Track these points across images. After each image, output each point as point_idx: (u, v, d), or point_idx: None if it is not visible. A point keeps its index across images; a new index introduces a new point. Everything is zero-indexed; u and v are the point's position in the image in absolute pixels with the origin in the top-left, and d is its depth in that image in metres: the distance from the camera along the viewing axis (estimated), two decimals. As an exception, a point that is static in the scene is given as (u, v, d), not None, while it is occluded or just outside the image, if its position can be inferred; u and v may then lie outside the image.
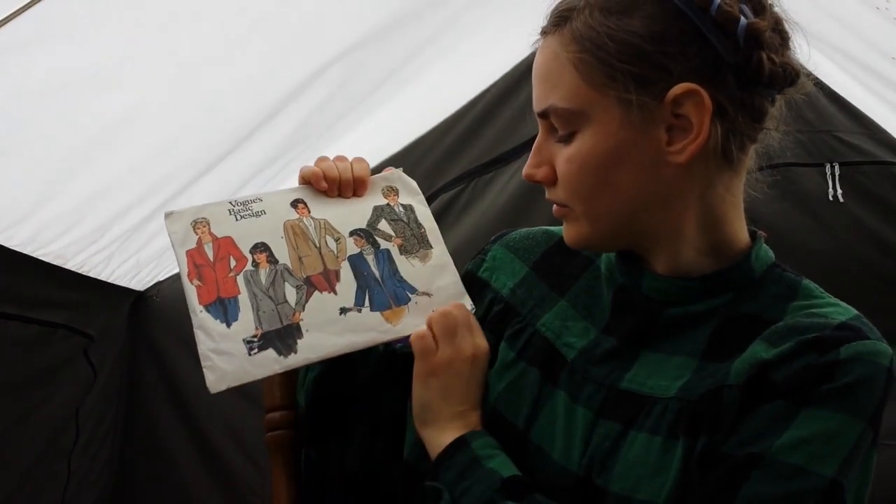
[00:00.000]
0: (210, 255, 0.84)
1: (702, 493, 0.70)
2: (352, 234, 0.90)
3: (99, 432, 2.05)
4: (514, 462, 0.79)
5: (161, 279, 2.15)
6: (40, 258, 1.64)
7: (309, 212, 0.89)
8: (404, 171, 0.99)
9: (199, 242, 0.84)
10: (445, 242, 0.95)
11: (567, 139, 0.75)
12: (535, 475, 0.78)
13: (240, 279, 0.83)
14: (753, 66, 0.71)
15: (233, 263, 0.84)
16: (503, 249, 0.94)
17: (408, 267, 0.91)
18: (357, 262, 0.89)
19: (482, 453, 0.79)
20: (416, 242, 0.93)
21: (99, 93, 1.32)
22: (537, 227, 0.96)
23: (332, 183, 0.90)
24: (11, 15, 1.05)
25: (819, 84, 2.20)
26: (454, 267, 0.94)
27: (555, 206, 0.80)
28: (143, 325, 2.14)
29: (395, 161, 2.22)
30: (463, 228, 2.22)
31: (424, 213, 0.96)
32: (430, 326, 0.84)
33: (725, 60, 0.71)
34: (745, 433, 0.70)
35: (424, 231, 0.94)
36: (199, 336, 0.80)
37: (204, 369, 0.79)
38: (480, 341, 0.85)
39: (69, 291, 1.80)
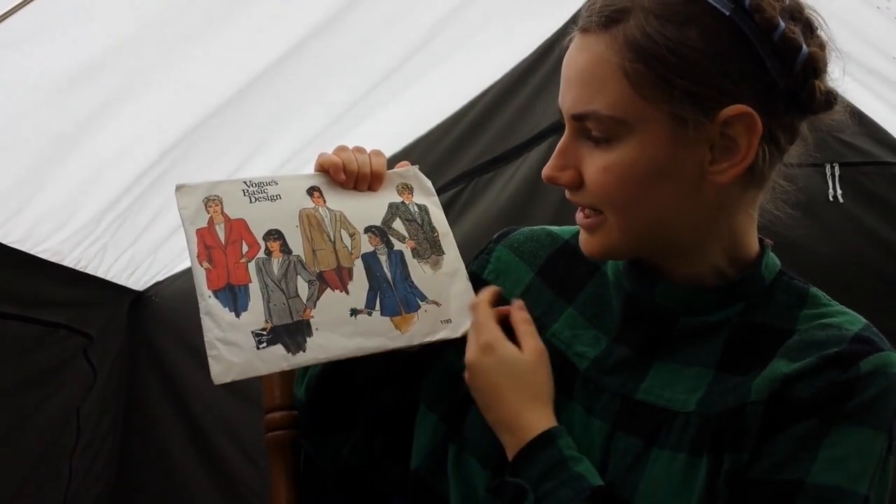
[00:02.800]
0: (221, 236, 0.80)
1: None
2: (367, 230, 0.88)
3: (99, 432, 2.05)
4: None
5: (160, 279, 2.15)
6: (38, 255, 1.64)
7: (324, 201, 0.87)
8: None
9: (211, 222, 0.80)
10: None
11: (601, 144, 0.72)
12: None
13: (251, 266, 0.80)
14: (806, 95, 0.70)
15: (244, 249, 0.81)
16: (507, 251, 0.92)
17: (419, 272, 0.88)
18: (370, 262, 0.86)
19: (569, 454, 0.75)
20: (428, 247, 0.90)
21: (92, 86, 1.32)
22: (540, 226, 0.94)
23: (351, 176, 0.87)
24: (7, 13, 1.05)
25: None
26: (466, 272, 0.91)
27: (582, 216, 0.77)
28: (142, 325, 2.14)
29: (395, 160, 2.22)
30: (463, 228, 2.21)
31: (438, 216, 0.93)
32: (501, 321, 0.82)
33: (778, 86, 0.69)
34: (778, 456, 0.70)
35: (437, 235, 0.92)
36: (206, 323, 0.76)
37: (209, 359, 0.75)
38: (536, 343, 0.82)
39: (68, 291, 1.80)
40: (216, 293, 0.77)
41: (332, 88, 1.82)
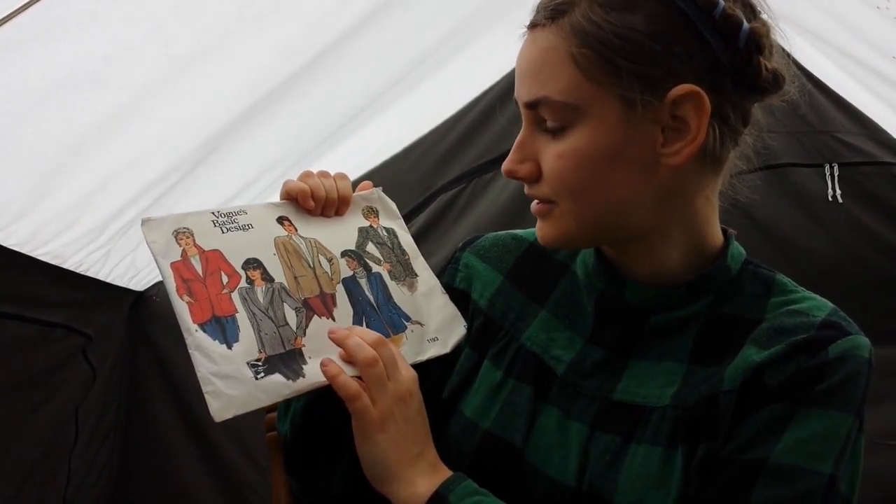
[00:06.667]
0: (198, 268, 0.76)
1: (710, 499, 0.70)
2: (343, 255, 0.85)
3: (99, 432, 2.05)
4: (511, 481, 0.78)
5: (160, 279, 2.15)
6: (38, 257, 1.64)
7: (296, 230, 0.83)
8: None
9: (185, 255, 0.76)
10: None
11: (557, 133, 0.73)
12: (531, 492, 0.78)
13: (235, 296, 0.76)
14: (752, 71, 0.71)
15: (224, 279, 0.76)
16: (474, 258, 0.92)
17: (399, 294, 0.87)
18: (351, 286, 0.84)
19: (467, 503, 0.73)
20: (402, 270, 0.89)
21: (95, 90, 1.32)
22: (504, 231, 0.94)
23: (319, 202, 0.86)
24: (10, 15, 1.05)
25: (819, 84, 2.20)
26: (441, 286, 0.90)
27: (535, 203, 0.78)
28: (142, 325, 2.14)
29: (396, 160, 2.22)
30: (463, 228, 2.22)
31: (406, 240, 0.92)
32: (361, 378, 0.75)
33: (724, 64, 0.70)
34: (744, 437, 0.71)
35: (408, 258, 0.90)
36: (197, 358, 0.72)
37: (206, 395, 0.70)
38: (408, 372, 0.77)
39: (68, 291, 1.80)
40: (203, 326, 0.73)
41: (334, 87, 1.82)
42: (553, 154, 0.73)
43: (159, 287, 2.15)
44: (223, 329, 0.74)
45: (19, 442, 1.73)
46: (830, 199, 2.20)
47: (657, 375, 0.77)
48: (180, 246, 0.76)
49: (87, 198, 1.57)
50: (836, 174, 2.22)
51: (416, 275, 0.89)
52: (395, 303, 0.86)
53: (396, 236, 0.91)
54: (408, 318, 0.85)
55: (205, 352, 0.72)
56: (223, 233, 0.79)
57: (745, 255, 0.82)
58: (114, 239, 1.77)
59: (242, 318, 0.75)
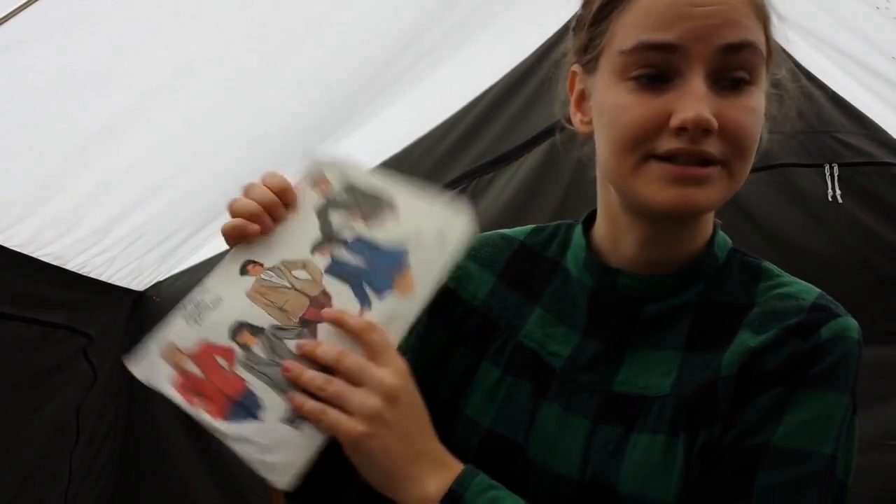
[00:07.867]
0: (196, 371, 0.76)
1: (715, 485, 0.71)
2: (313, 251, 0.81)
3: (99, 432, 2.05)
4: (515, 478, 0.77)
5: (161, 279, 2.15)
6: (40, 258, 1.65)
7: (262, 265, 0.80)
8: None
9: (178, 367, 0.76)
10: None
11: (740, 86, 0.70)
12: (535, 487, 0.77)
13: (239, 370, 0.75)
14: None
15: (223, 362, 0.76)
16: (465, 259, 0.89)
17: (383, 232, 0.81)
18: (335, 270, 0.80)
19: (479, 501, 0.71)
20: (372, 207, 0.82)
21: (98, 91, 1.32)
22: (492, 231, 0.93)
23: (259, 216, 0.78)
24: (10, 14, 1.05)
25: (819, 84, 2.20)
26: (426, 196, 0.83)
27: (697, 167, 0.69)
28: (143, 325, 2.14)
29: (396, 160, 2.22)
30: (463, 228, 2.22)
31: (366, 181, 0.84)
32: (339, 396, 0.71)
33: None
34: (746, 423, 0.72)
35: (377, 192, 0.83)
36: (238, 448, 0.72)
37: (268, 476, 0.71)
38: (385, 371, 0.72)
39: (69, 291, 1.80)
40: (228, 419, 0.74)
41: (333, 89, 1.82)
42: (742, 107, 0.69)
43: (159, 287, 2.16)
44: (245, 406, 0.74)
45: (20, 442, 1.74)
46: (830, 199, 2.21)
47: (656, 365, 0.77)
48: (170, 365, 0.77)
49: (89, 201, 1.57)
50: (836, 174, 2.22)
51: (393, 201, 0.83)
52: (384, 246, 0.81)
53: (353, 187, 0.84)
54: (403, 249, 0.81)
55: (241, 439, 0.72)
56: (199, 324, 0.78)
57: (730, 244, 0.83)
58: (120, 244, 1.78)
59: (255, 384, 0.75)
